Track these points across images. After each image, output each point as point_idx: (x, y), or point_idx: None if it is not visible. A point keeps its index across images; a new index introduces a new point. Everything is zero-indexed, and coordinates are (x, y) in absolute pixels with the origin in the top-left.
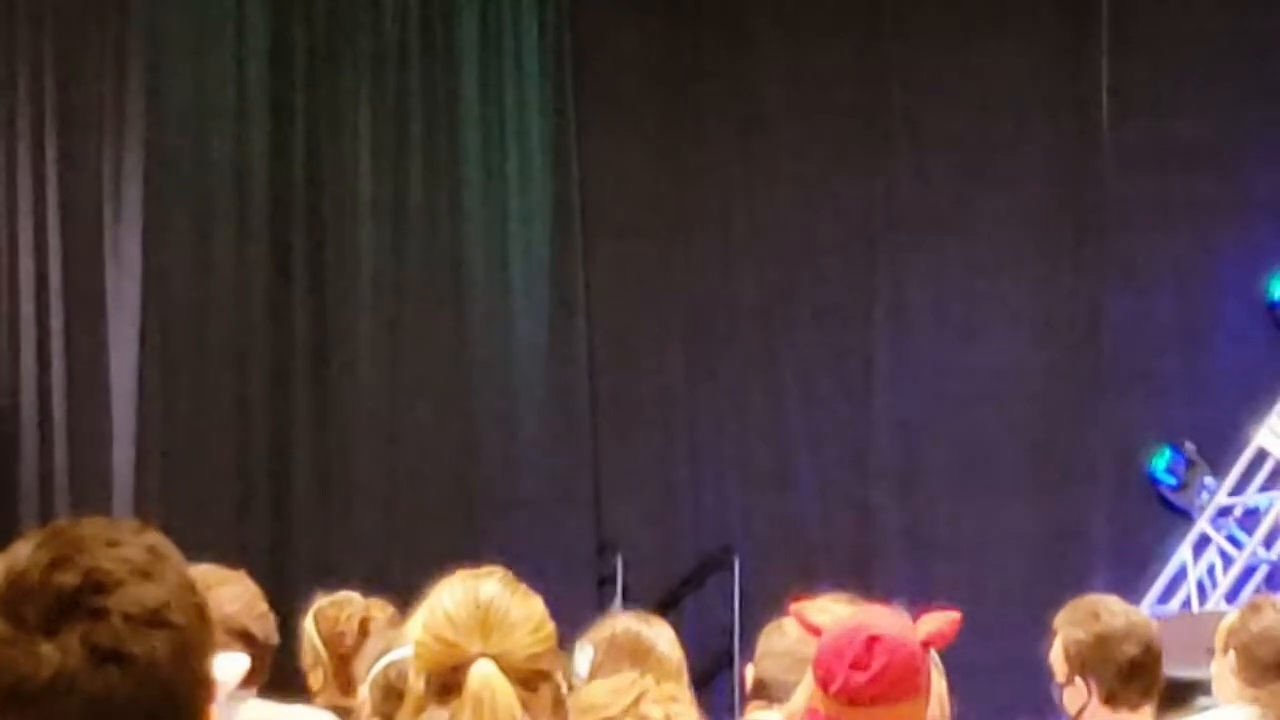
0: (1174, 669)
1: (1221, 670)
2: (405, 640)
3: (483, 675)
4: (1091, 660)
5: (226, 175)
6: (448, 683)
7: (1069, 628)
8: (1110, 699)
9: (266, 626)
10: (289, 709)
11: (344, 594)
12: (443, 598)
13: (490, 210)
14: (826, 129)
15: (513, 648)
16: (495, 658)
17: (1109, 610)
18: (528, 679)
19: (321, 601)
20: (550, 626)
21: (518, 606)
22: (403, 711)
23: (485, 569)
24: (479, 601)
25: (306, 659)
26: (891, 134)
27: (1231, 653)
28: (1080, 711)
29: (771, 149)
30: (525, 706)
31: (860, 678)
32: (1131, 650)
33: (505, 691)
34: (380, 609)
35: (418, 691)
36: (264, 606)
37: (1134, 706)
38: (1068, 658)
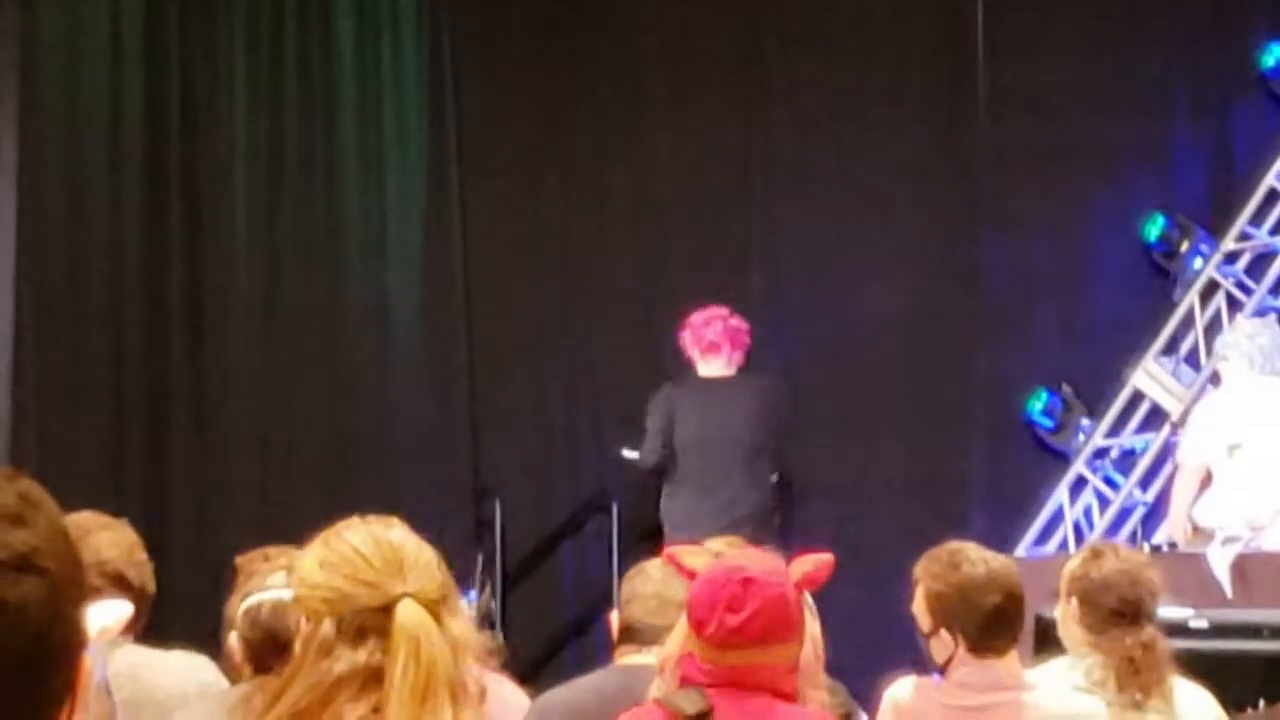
0: (1050, 610)
1: (1065, 616)
2: (276, 582)
3: (413, 612)
4: (954, 611)
5: (101, 126)
6: (364, 625)
7: (929, 579)
8: (975, 648)
9: (144, 574)
10: (164, 654)
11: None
12: (347, 539)
13: (366, 159)
14: (703, 77)
15: (424, 589)
16: (414, 596)
17: (968, 560)
18: (439, 620)
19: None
20: (446, 573)
21: (424, 551)
22: (304, 654)
23: (381, 517)
24: (391, 543)
25: None
26: (767, 82)
27: (1074, 599)
28: (948, 661)
29: (648, 97)
30: None
31: (734, 620)
32: (994, 599)
33: (434, 629)
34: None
35: (327, 635)
36: (143, 555)
37: (1000, 652)
38: (930, 610)
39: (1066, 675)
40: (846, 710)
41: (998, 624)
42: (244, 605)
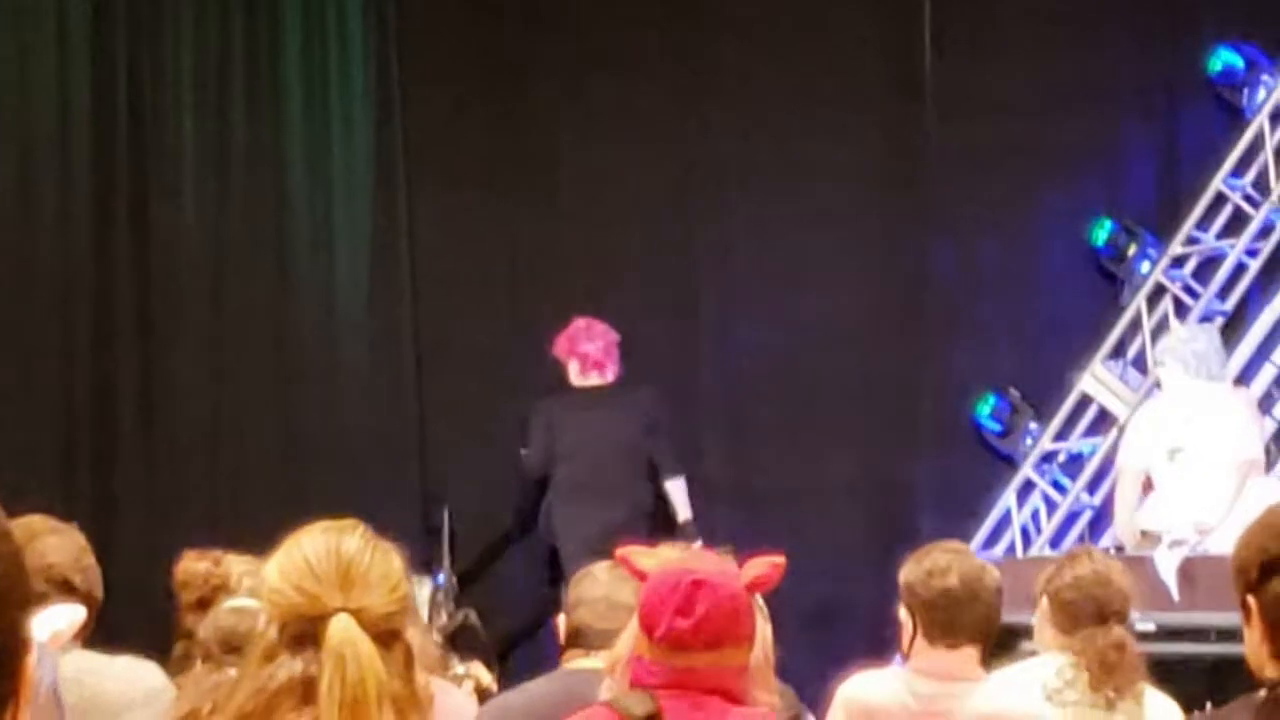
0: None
1: (1040, 618)
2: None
3: (343, 629)
4: (912, 595)
5: (49, 121)
6: (303, 633)
7: (907, 565)
8: (928, 634)
9: (91, 579)
10: (112, 659)
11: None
12: (303, 546)
13: (313, 160)
14: (651, 79)
15: (371, 604)
16: (354, 613)
17: (941, 549)
18: (383, 636)
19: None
20: (406, 586)
21: (378, 564)
22: (251, 657)
23: (346, 522)
24: (341, 555)
25: None
26: (716, 83)
27: (1045, 600)
28: (910, 644)
29: (596, 99)
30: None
31: (684, 623)
32: (941, 585)
33: (367, 646)
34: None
35: (270, 638)
36: (90, 560)
37: (951, 645)
38: (901, 592)
39: (1038, 673)
40: (795, 713)
41: (946, 613)
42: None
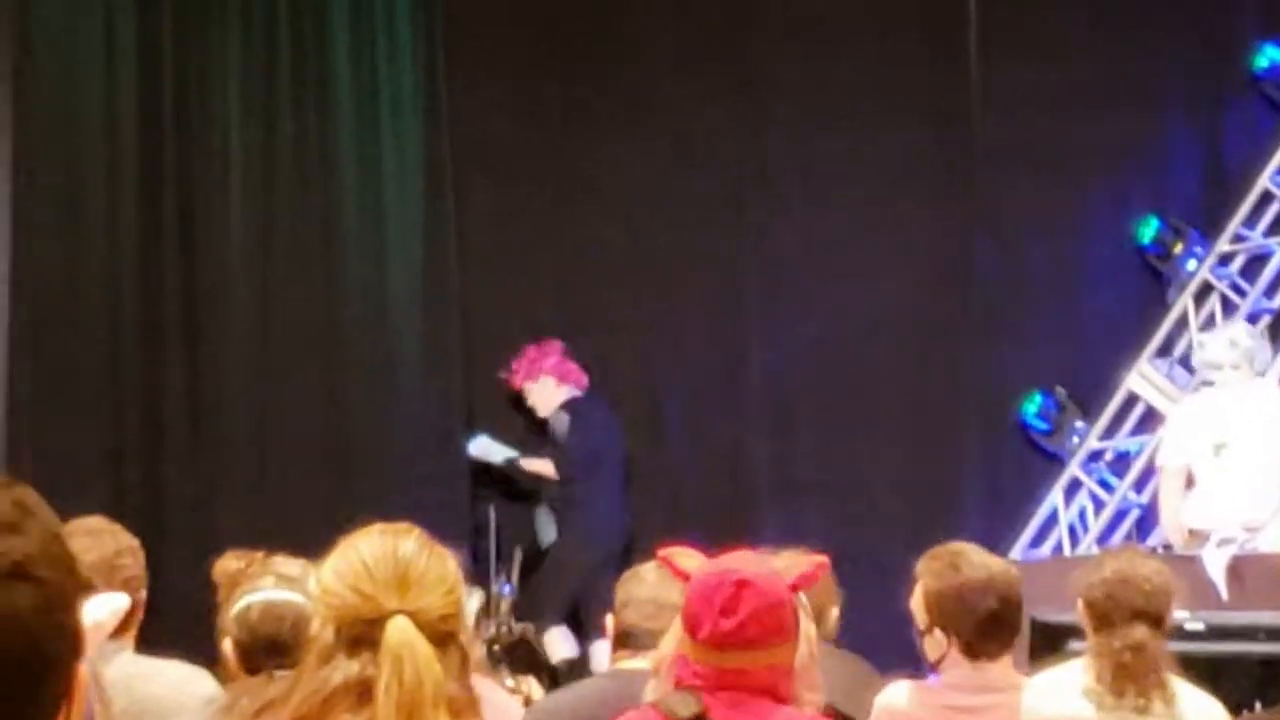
0: (1045, 613)
1: (1080, 618)
2: (265, 584)
3: (400, 630)
4: (950, 613)
5: (96, 128)
6: (360, 636)
7: (929, 578)
8: (969, 650)
9: (125, 582)
10: (162, 663)
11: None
12: (359, 549)
13: (362, 163)
14: (696, 75)
15: (427, 607)
16: (411, 615)
17: (969, 562)
18: (439, 638)
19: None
20: (461, 588)
21: (434, 566)
22: (307, 660)
23: (402, 525)
24: (397, 557)
25: None
26: (762, 79)
27: (1080, 601)
28: (940, 660)
29: (641, 97)
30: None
31: (728, 623)
32: (990, 604)
33: (424, 648)
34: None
35: (327, 641)
36: (128, 561)
37: (993, 656)
38: (927, 608)
39: (1079, 677)
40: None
41: (993, 628)
42: (235, 609)
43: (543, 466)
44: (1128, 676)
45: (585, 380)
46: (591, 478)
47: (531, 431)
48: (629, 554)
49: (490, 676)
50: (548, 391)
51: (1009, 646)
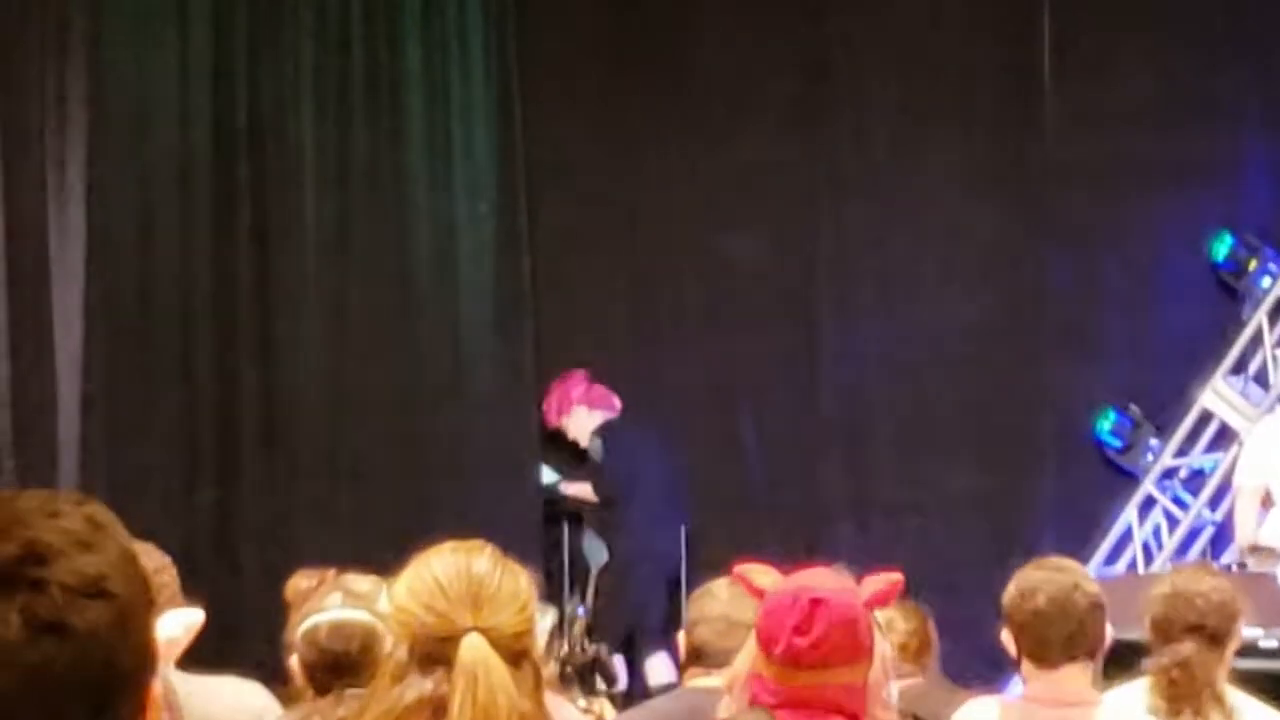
0: (1119, 631)
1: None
2: (332, 603)
3: (474, 648)
4: (1008, 618)
5: (170, 141)
6: (433, 653)
7: (1009, 585)
8: (1028, 655)
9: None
10: (215, 680)
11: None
12: (432, 567)
13: (434, 174)
14: (768, 93)
15: (501, 624)
16: (485, 632)
17: (1038, 565)
18: (513, 656)
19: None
20: (533, 606)
21: (507, 584)
22: (381, 678)
23: (474, 542)
24: (471, 575)
25: None
26: (833, 97)
27: (1147, 619)
28: (1015, 661)
29: (715, 111)
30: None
31: (803, 641)
32: (1031, 606)
33: (498, 666)
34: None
35: (400, 659)
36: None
37: (1053, 664)
38: (1004, 609)
39: (1143, 696)
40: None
41: (1043, 633)
42: (302, 627)
43: (582, 490)
44: (1179, 694)
45: (616, 402)
46: (631, 499)
47: (580, 462)
48: (681, 568)
49: (562, 696)
50: (581, 420)
51: (1073, 659)
